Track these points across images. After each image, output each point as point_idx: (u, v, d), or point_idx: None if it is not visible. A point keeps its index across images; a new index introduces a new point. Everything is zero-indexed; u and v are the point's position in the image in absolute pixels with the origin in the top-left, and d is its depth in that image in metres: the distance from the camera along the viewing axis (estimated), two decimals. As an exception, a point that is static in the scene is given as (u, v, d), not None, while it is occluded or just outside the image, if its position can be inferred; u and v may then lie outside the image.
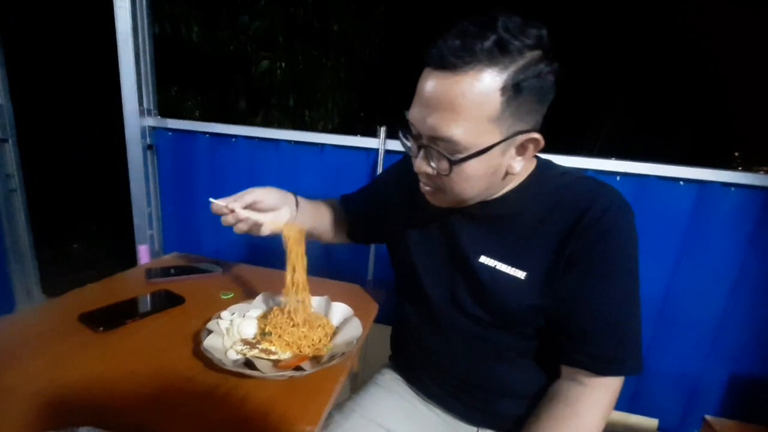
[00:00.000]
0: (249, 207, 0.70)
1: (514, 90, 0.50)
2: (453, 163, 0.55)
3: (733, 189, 1.13)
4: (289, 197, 0.77)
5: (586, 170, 1.20)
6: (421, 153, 0.58)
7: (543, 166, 0.66)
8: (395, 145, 1.35)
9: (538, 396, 0.65)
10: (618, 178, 1.19)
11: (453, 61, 0.50)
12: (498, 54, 0.49)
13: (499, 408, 0.69)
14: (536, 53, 0.51)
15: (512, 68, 0.50)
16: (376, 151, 1.36)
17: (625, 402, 1.30)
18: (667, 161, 1.17)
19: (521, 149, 0.57)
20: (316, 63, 3.33)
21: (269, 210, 0.73)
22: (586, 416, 0.58)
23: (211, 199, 0.70)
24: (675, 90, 5.23)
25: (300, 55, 3.21)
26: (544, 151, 0.67)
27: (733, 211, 1.14)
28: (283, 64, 3.08)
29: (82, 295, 0.80)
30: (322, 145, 1.43)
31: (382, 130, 1.35)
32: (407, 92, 0.60)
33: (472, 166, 0.55)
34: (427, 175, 0.61)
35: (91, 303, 0.74)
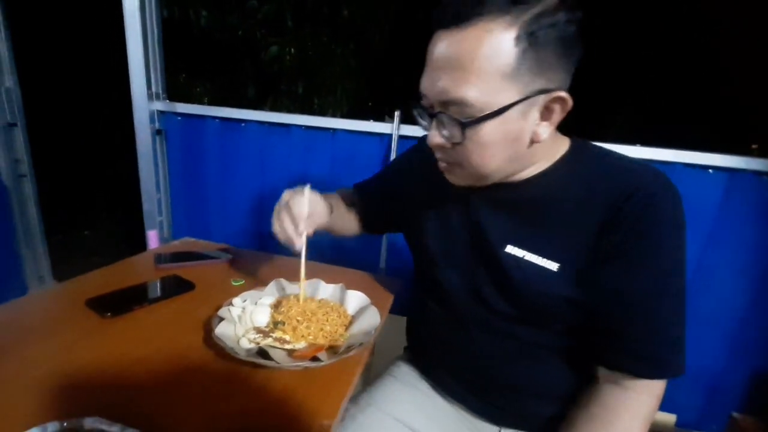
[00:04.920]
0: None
1: (529, 40, 0.45)
2: (465, 127, 0.49)
3: (766, 178, 1.07)
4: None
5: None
6: (433, 124, 0.54)
7: (578, 147, 0.60)
8: (410, 131, 1.31)
9: (568, 397, 0.61)
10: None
11: (460, 16, 0.46)
12: (508, 2, 0.45)
13: (524, 408, 0.65)
14: (553, 0, 0.46)
15: (526, 16, 0.45)
16: (390, 136, 1.32)
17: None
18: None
19: (546, 112, 0.51)
20: (325, 49, 3.27)
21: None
22: (628, 423, 0.53)
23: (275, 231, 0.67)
24: (691, 79, 5.08)
25: (309, 41, 3.14)
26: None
27: (767, 201, 1.08)
28: (292, 50, 3.02)
29: (90, 280, 0.77)
30: (334, 130, 1.39)
31: (397, 115, 1.30)
32: (419, 79, 0.55)
33: (489, 131, 0.50)
34: (441, 148, 0.56)
35: (98, 288, 0.71)
